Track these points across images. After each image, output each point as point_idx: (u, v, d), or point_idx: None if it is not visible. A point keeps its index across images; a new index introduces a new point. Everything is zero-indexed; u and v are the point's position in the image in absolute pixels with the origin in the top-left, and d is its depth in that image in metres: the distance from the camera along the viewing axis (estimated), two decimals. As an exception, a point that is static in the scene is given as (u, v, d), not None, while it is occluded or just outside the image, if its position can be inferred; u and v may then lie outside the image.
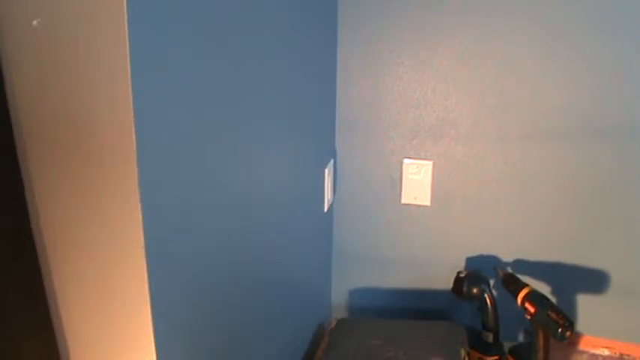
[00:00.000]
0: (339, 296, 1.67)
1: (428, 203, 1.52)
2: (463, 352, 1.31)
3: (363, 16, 1.42)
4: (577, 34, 1.32)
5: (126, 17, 0.55)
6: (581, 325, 1.51)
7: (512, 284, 1.34)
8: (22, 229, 0.63)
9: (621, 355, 1.50)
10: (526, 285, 1.31)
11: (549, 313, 1.23)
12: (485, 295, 1.40)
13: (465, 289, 1.40)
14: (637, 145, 1.36)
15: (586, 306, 1.48)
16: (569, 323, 1.21)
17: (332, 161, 1.51)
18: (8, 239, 0.62)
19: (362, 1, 1.41)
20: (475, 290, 1.40)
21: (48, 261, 0.66)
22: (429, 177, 1.50)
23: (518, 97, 1.39)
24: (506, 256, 1.50)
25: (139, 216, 0.62)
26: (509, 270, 1.45)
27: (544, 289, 1.46)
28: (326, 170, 1.46)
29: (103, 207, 0.62)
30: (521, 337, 1.54)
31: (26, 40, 0.58)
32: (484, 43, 1.37)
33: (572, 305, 1.49)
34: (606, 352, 1.51)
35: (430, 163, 1.49)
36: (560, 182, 1.42)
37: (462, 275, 1.42)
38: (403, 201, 1.53)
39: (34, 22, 0.57)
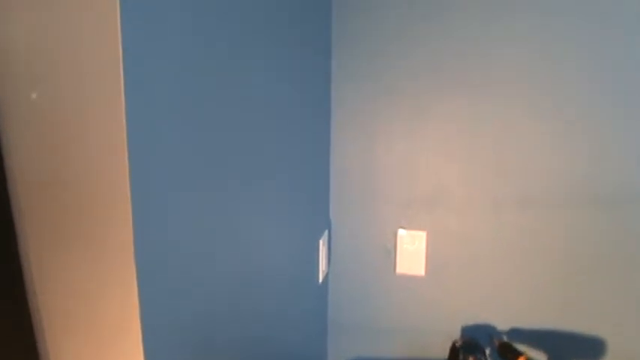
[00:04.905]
0: (336, 368, 1.65)
1: (422, 273, 1.53)
2: None
3: (355, 83, 1.46)
4: (575, 98, 1.34)
5: (122, 80, 0.59)
6: (582, 396, 1.48)
7: (508, 353, 1.34)
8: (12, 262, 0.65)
9: None
10: (522, 353, 1.30)
11: (545, 381, 1.22)
12: (482, 365, 1.39)
13: (460, 358, 1.39)
14: (636, 211, 1.37)
15: (585, 375, 1.47)
16: (565, 391, 1.20)
17: (327, 232, 1.53)
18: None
19: (354, 69, 1.45)
20: (471, 359, 1.39)
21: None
22: (423, 247, 1.52)
23: (514, 163, 1.41)
24: (502, 324, 1.50)
25: (133, 272, 0.64)
26: (505, 338, 1.45)
27: (540, 357, 1.44)
28: (321, 241, 1.48)
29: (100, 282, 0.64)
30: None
31: (25, 111, 0.62)
32: (479, 108, 1.39)
33: (570, 375, 1.47)
34: None
35: (424, 234, 1.51)
36: (556, 249, 1.43)
37: (457, 344, 1.42)
38: (398, 271, 1.54)
39: (33, 96, 0.61)
